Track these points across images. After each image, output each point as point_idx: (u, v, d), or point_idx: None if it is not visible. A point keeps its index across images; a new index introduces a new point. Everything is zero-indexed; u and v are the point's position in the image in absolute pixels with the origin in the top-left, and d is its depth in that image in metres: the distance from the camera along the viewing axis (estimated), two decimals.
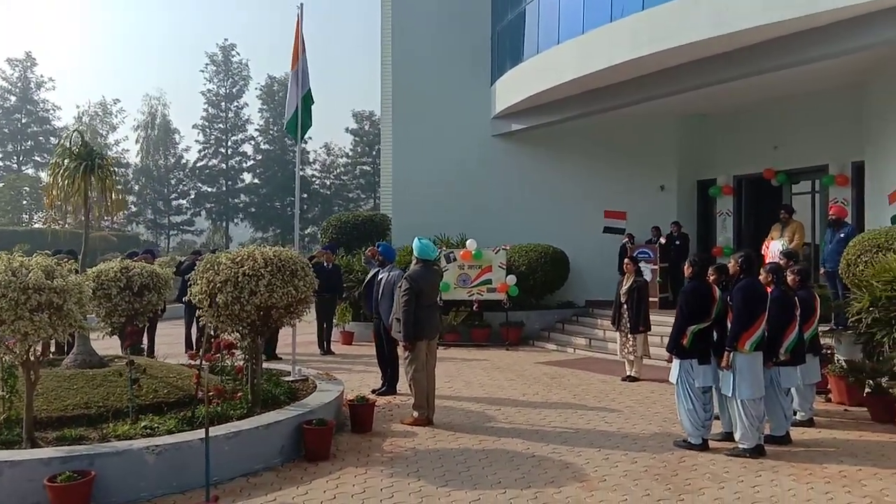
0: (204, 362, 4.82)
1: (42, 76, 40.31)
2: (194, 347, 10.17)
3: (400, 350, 7.00)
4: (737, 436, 5.71)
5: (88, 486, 4.34)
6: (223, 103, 43.80)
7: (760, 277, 6.23)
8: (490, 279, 12.93)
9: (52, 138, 40.39)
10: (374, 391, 8.41)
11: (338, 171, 47.51)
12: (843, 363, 7.51)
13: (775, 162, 13.56)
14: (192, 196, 43.60)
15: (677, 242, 13.87)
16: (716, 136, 14.93)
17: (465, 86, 15.78)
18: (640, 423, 6.90)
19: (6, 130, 38.44)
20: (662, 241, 13.80)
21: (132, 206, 42.88)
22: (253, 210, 44.48)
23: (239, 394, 6.22)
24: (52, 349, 8.33)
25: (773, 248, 8.89)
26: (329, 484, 5.03)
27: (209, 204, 43.71)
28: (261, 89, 44.79)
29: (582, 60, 12.02)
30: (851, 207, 12.27)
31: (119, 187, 7.18)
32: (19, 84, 39.36)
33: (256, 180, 44.79)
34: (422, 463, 5.52)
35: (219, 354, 6.69)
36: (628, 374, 9.32)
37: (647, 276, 12.50)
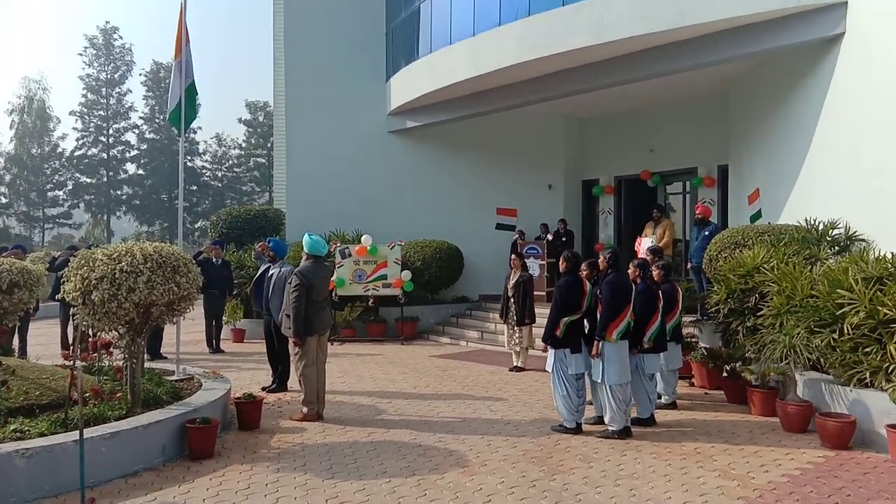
0: (79, 362, 4.65)
1: None
2: (70, 347, 9.65)
3: (290, 346, 7.00)
4: (606, 419, 6.17)
5: None
6: (104, 89, 41.28)
7: (629, 272, 6.75)
8: (385, 274, 13.06)
9: None
10: (264, 388, 8.34)
11: (230, 162, 45.95)
12: (705, 350, 8.21)
13: (651, 164, 14.53)
14: (70, 187, 40.82)
15: (563, 239, 14.56)
16: (598, 139, 15.79)
17: (360, 80, 15.80)
18: (522, 410, 7.27)
19: None
20: (550, 237, 14.46)
21: (1, 198, 39.66)
22: (137, 202, 42.21)
23: (118, 394, 6.04)
24: None
25: (644, 245, 9.56)
26: (212, 482, 5.00)
27: (88, 196, 41.08)
28: (146, 75, 42.56)
29: (473, 61, 12.36)
30: (717, 207, 13.37)
31: None
32: None
33: (141, 171, 42.52)
34: (309, 457, 5.59)
35: (95, 354, 6.50)
36: (515, 364, 9.74)
37: (536, 271, 13.13)
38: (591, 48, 10.64)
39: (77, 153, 41.20)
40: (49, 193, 40.51)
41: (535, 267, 13.26)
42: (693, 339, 8.91)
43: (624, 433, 6.07)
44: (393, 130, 15.83)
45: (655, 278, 7.25)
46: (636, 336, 6.48)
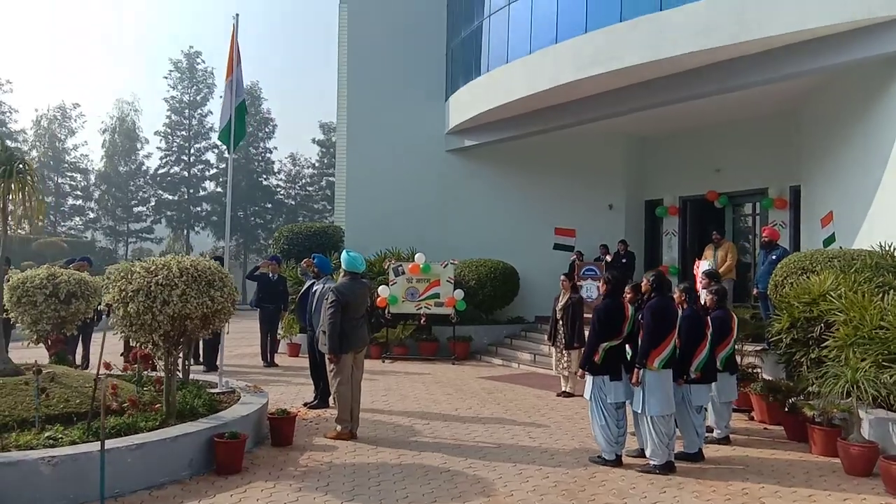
0: (103, 371, 4.73)
1: None
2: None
3: (326, 363, 6.96)
4: (647, 452, 5.81)
5: None
6: (187, 111, 43.27)
7: (675, 296, 6.38)
8: (438, 293, 12.96)
9: (8, 142, 39.37)
10: (305, 404, 8.37)
11: (303, 181, 47.18)
12: (764, 382, 7.67)
13: (718, 184, 13.92)
14: (153, 203, 42.85)
15: (624, 260, 14.09)
16: (662, 158, 15.27)
17: (420, 100, 15.93)
18: (563, 438, 6.97)
19: None
20: (608, 258, 14.02)
21: (90, 213, 42.01)
22: (215, 219, 43.82)
23: (157, 405, 6.15)
24: None
25: (701, 268, 9.09)
26: (233, 497, 4.98)
27: (170, 212, 42.98)
28: None
29: (529, 80, 12.23)
30: (789, 230, 12.65)
31: (41, 197, 7.04)
32: None
33: (219, 189, 44.20)
34: (334, 477, 5.50)
35: (136, 364, 6.64)
36: (563, 389, 9.41)
37: (593, 294, 12.73)
38: (648, 65, 10.33)
39: (160, 171, 43.23)
40: (134, 209, 42.63)
41: (592, 289, 12.88)
42: (754, 370, 8.36)
43: (666, 468, 5.69)
44: (451, 149, 15.84)
45: (707, 304, 6.85)
46: (682, 365, 6.11)
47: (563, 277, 9.71)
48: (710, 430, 6.79)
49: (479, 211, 15.61)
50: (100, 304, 8.14)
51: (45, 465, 4.62)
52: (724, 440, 6.72)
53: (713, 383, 6.49)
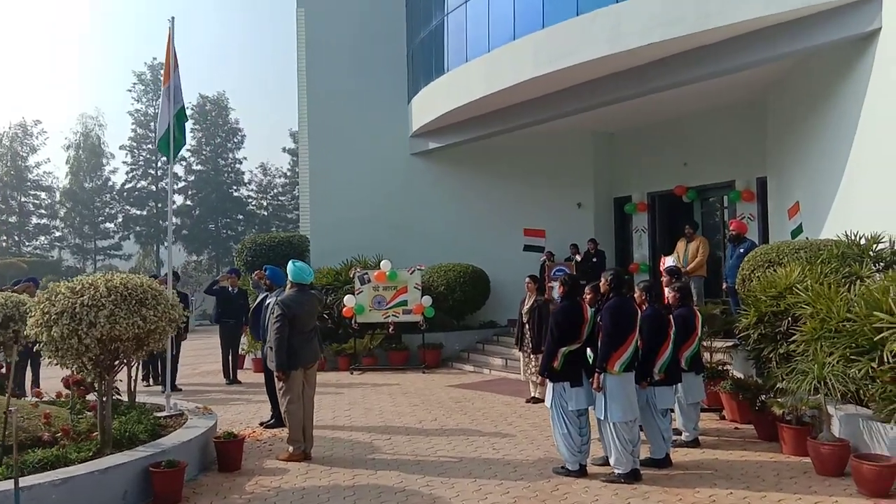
0: (34, 399, 4.35)
1: None
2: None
3: (275, 380, 6.61)
4: (611, 460, 5.53)
5: None
6: (152, 123, 42.44)
7: (635, 295, 6.14)
8: (406, 300, 12.63)
9: None
10: (261, 423, 8.01)
11: (275, 191, 46.57)
12: (734, 380, 7.45)
13: (686, 178, 13.77)
14: (120, 219, 42.00)
15: (594, 260, 13.89)
16: (629, 154, 15.11)
17: (383, 104, 15.62)
18: (528, 448, 6.68)
19: None
20: (578, 258, 13.81)
21: (55, 231, 41.04)
22: (185, 233, 43.05)
23: (95, 434, 5.76)
24: None
25: (666, 265, 8.89)
26: None
27: (138, 227, 42.14)
28: (193, 108, 43.66)
29: (489, 78, 11.98)
30: (758, 222, 12.51)
31: None
32: None
33: (189, 202, 43.47)
34: None
35: (68, 391, 6.24)
36: (532, 395, 9.14)
37: None
38: (608, 58, 10.12)
39: (127, 186, 42.40)
40: (101, 226, 41.74)
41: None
42: (724, 368, 8.15)
43: (631, 476, 5.42)
44: (415, 153, 15.54)
45: (671, 301, 6.61)
46: (644, 367, 5.86)
47: (527, 279, 9.44)
48: (678, 433, 6.55)
49: (447, 214, 15.33)
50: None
51: None
52: (693, 443, 6.48)
53: (678, 384, 6.25)
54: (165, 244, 43.34)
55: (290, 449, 6.39)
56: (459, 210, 15.35)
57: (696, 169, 13.57)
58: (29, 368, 9.98)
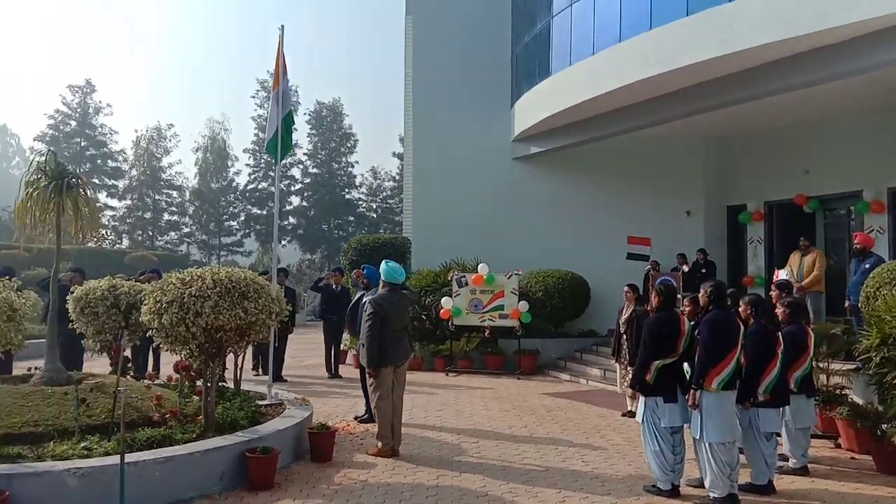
0: (124, 382, 4.70)
1: (100, 102, 42.34)
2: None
3: (367, 377, 6.78)
4: (706, 483, 5.24)
5: None
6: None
7: (740, 309, 5.79)
8: (502, 305, 12.58)
9: (109, 161, 42.12)
10: (356, 417, 8.22)
11: (384, 194, 47.86)
12: (851, 406, 6.85)
13: (807, 187, 12.85)
14: (242, 218, 44.61)
15: (703, 270, 13.23)
16: (744, 160, 14.30)
17: (485, 108, 15.69)
18: (619, 463, 6.45)
19: (66, 154, 40.34)
20: (686, 269, 13.22)
21: (184, 227, 44.17)
22: (301, 232, 45.15)
23: (200, 417, 6.13)
24: None
25: (780, 277, 8.31)
26: None
27: (258, 226, 44.57)
28: (309, 114, 45.74)
29: (593, 82, 11.73)
30: (888, 236, 11.49)
31: (99, 205, 7.23)
32: (79, 109, 41.40)
33: (304, 203, 45.54)
34: (364, 498, 5.27)
35: (178, 375, 6.67)
36: (629, 408, 8.81)
37: None
38: (719, 59, 9.63)
39: (249, 187, 44.99)
40: (225, 223, 44.52)
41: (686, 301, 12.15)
42: (842, 392, 7.51)
43: (728, 501, 5.10)
44: (517, 157, 15.46)
45: (780, 318, 6.18)
46: (748, 386, 5.51)
47: (626, 288, 9.14)
48: (784, 458, 6.11)
49: (548, 220, 15.14)
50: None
51: (70, 477, 4.63)
52: (802, 470, 6.02)
53: (785, 407, 5.83)
54: (283, 242, 45.68)
55: (379, 444, 6.52)
56: (561, 216, 15.12)
57: (818, 177, 12.62)
58: (151, 354, 10.78)
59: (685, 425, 5.45)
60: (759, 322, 5.69)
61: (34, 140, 41.99)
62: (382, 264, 6.81)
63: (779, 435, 5.95)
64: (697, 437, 5.24)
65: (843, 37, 8.63)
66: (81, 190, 6.74)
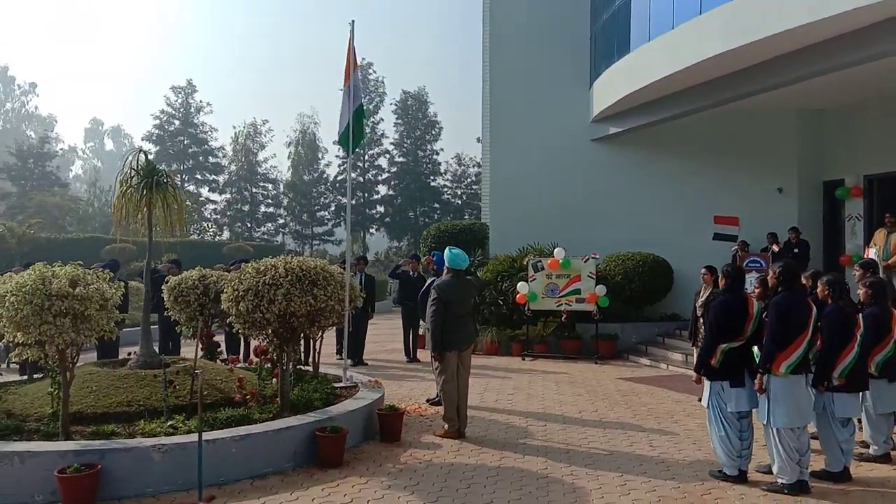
0: (202, 364, 5.07)
1: (201, 101, 44.87)
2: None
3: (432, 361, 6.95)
4: (774, 469, 5.08)
5: (94, 479, 4.73)
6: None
7: (818, 290, 5.53)
8: (579, 289, 12.44)
9: (210, 158, 44.55)
10: (428, 400, 8.42)
11: (468, 180, 48.04)
12: None
13: None
14: (333, 208, 46.08)
15: (795, 250, 12.57)
16: (842, 132, 13.40)
17: (563, 90, 15.43)
18: (688, 448, 6.33)
19: (171, 151, 43.05)
20: (776, 249, 12.60)
21: (279, 219, 46.12)
22: (388, 220, 46.15)
23: (277, 398, 6.50)
24: None
25: (870, 256, 7.80)
26: (324, 491, 5.11)
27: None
28: (395, 104, 46.50)
29: (672, 57, 11.30)
30: None
31: (187, 203, 7.74)
32: (181, 109, 43.96)
33: (391, 191, 46.46)
34: (427, 476, 5.45)
35: (257, 359, 7.08)
36: None
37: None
38: (809, 26, 9.04)
39: (339, 178, 46.35)
40: (317, 214, 46.13)
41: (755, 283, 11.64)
42: None
43: (797, 488, 4.93)
44: (595, 138, 15.15)
45: (862, 299, 5.85)
46: (823, 370, 5.27)
47: (703, 270, 8.86)
48: (865, 445, 5.80)
49: (629, 202, 14.77)
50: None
51: (155, 453, 5.05)
52: (883, 458, 5.71)
53: (865, 392, 5.53)
54: (371, 230, 46.86)
55: (446, 426, 6.69)
56: (642, 197, 14.72)
57: None
58: (242, 340, 11.44)
59: (753, 410, 5.28)
60: (836, 303, 5.42)
61: (142, 140, 45.03)
62: (446, 251, 6.95)
63: (859, 421, 5.66)
64: (765, 423, 5.08)
65: None
66: (170, 187, 7.23)
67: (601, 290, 12.27)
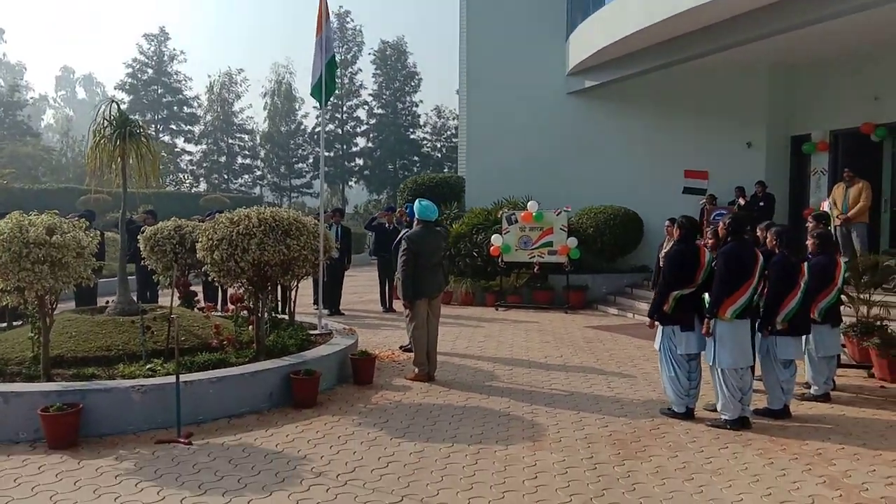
0: (178, 311, 5.27)
1: (174, 49, 43.86)
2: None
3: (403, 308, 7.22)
4: (718, 406, 5.46)
5: (75, 417, 4.96)
6: (339, 70, 45.26)
7: (767, 240, 5.85)
8: (551, 241, 12.75)
9: (185, 108, 43.82)
10: (401, 347, 8.73)
11: (448, 133, 47.84)
12: (881, 336, 6.82)
13: (876, 115, 12.22)
14: (311, 160, 45.79)
15: (761, 203, 12.93)
16: (811, 88, 13.64)
17: (540, 43, 15.43)
18: (643, 389, 6.72)
19: (145, 101, 42.24)
20: (742, 202, 12.95)
21: (256, 170, 45.75)
22: (367, 173, 46.00)
23: (254, 344, 6.75)
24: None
25: (824, 209, 8.14)
26: (297, 428, 5.40)
27: (327, 167, 45.72)
28: (374, 54, 45.83)
29: (647, 9, 11.36)
30: None
31: (162, 154, 7.79)
32: (154, 58, 42.95)
33: (370, 144, 46.18)
34: (395, 415, 5.76)
35: (233, 306, 7.30)
36: None
37: None
38: None
39: (317, 129, 45.90)
40: (295, 166, 45.82)
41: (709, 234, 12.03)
42: (881, 323, 7.43)
43: (738, 423, 5.32)
44: (571, 92, 15.25)
45: (810, 249, 6.18)
46: (767, 315, 5.62)
47: (667, 222, 9.17)
48: (808, 386, 6.22)
49: (603, 156, 14.98)
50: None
51: (135, 393, 5.29)
52: (824, 397, 6.13)
53: (809, 335, 5.91)
54: (350, 183, 46.70)
55: (416, 370, 7.01)
56: (616, 151, 14.93)
57: (888, 104, 11.97)
58: (220, 289, 11.61)
59: (702, 353, 5.64)
60: (782, 252, 5.74)
61: (115, 89, 44.06)
62: (416, 203, 7.15)
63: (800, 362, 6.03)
64: (711, 364, 5.44)
65: None
66: (144, 138, 7.29)
67: (572, 242, 12.58)
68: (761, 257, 5.46)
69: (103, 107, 7.22)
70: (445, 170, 44.83)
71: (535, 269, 12.96)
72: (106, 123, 7.13)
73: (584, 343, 9.24)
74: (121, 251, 7.42)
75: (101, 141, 7.05)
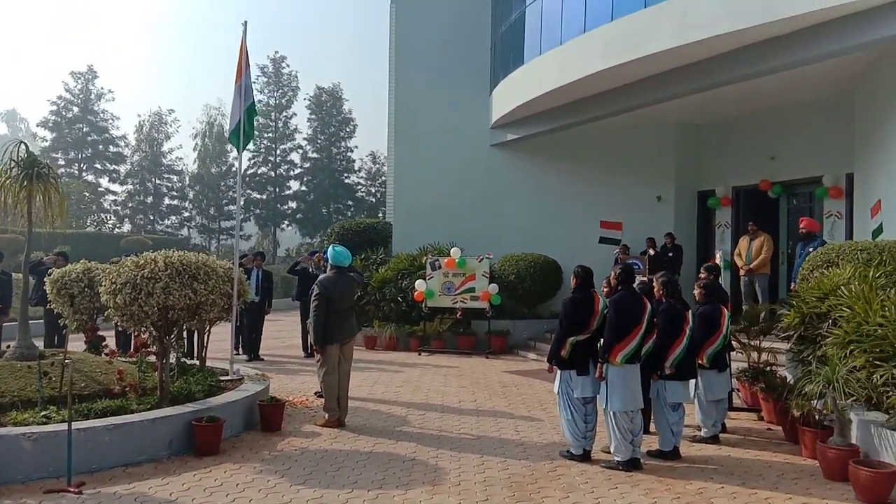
0: (68, 357, 5.17)
1: (102, 88, 42.78)
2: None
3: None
4: (611, 448, 5.70)
5: None
6: (273, 113, 45.21)
7: (654, 289, 6.22)
8: (473, 287, 13.01)
9: (111, 146, 42.64)
10: (316, 393, 8.68)
11: (382, 178, 48.22)
12: (765, 381, 7.28)
13: (772, 173, 13.20)
14: (242, 202, 45.20)
15: (670, 254, 13.63)
16: (715, 146, 14.63)
17: (466, 95, 16.02)
18: (549, 433, 6.92)
19: (69, 139, 40.92)
20: (652, 252, 13.61)
21: (185, 212, 44.73)
22: (300, 216, 45.67)
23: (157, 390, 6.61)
24: None
25: (717, 261, 8.71)
26: (195, 476, 5.32)
27: (258, 210, 45.15)
28: (309, 99, 46.07)
29: (560, 71, 12.06)
30: (845, 221, 11.83)
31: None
32: (81, 95, 41.85)
33: (304, 188, 46.01)
34: (300, 462, 5.75)
35: (137, 352, 7.16)
36: None
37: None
38: (675, 50, 9.96)
39: (249, 171, 45.44)
40: (225, 208, 45.04)
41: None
42: (770, 369, 7.93)
43: (630, 465, 5.57)
44: (495, 144, 15.82)
45: (697, 298, 6.61)
46: (657, 360, 5.95)
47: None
48: (699, 429, 6.56)
49: (525, 205, 15.53)
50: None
51: (25, 441, 5.13)
52: (712, 439, 6.47)
53: (697, 380, 6.27)
54: (282, 226, 46.20)
55: (326, 416, 7.01)
56: (537, 201, 15.51)
57: (783, 163, 12.96)
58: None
59: (597, 396, 5.90)
60: (669, 301, 6.12)
61: (37, 126, 42.55)
62: (329, 248, 7.28)
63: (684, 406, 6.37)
64: (604, 407, 5.70)
65: (788, 28, 8.94)
66: (52, 179, 7.18)
67: (494, 288, 12.88)
68: (649, 305, 5.82)
69: (12, 146, 7.11)
70: (380, 214, 44.97)
71: (458, 315, 13.17)
72: (13, 164, 7.02)
73: (500, 388, 9.43)
74: (22, 293, 7.21)
75: (7, 181, 6.92)
